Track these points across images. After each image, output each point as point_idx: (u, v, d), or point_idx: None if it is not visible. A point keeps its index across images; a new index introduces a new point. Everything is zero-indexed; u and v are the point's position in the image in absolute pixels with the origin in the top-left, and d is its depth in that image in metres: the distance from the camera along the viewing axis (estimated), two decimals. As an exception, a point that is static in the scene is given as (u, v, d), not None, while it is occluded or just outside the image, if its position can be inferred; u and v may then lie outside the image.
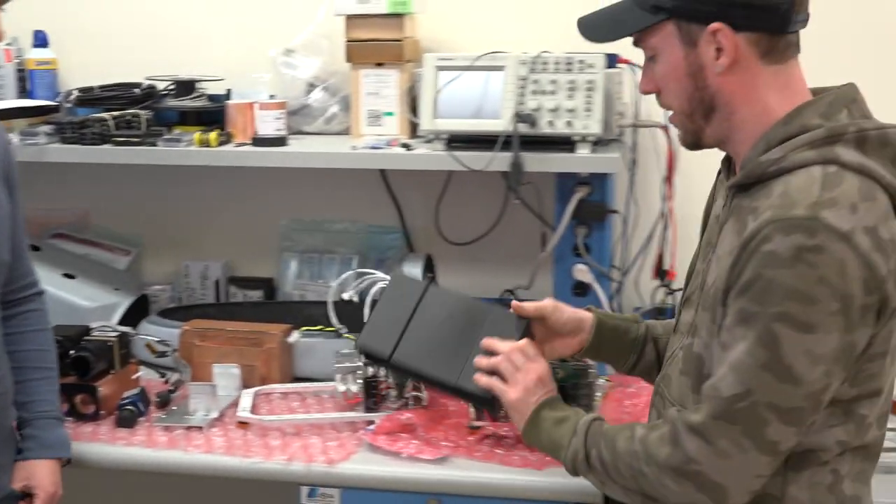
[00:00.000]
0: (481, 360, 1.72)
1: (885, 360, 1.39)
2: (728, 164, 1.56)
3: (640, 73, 2.33)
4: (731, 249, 1.38)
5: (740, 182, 1.43)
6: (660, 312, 2.49)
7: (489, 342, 1.73)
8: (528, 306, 1.78)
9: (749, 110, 1.43)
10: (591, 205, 2.28)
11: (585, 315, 1.80)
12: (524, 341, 1.73)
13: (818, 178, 1.32)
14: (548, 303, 1.79)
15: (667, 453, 1.42)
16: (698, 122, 1.47)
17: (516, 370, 1.68)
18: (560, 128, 2.15)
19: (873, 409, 1.42)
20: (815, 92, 1.46)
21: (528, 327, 1.78)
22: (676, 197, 2.43)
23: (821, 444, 1.40)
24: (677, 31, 1.43)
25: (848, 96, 1.42)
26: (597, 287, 2.31)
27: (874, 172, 1.34)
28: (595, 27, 1.54)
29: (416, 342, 1.80)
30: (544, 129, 2.16)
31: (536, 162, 2.17)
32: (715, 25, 1.39)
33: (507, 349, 1.70)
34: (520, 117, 2.14)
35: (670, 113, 1.53)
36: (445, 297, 1.87)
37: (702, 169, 2.49)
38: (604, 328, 1.79)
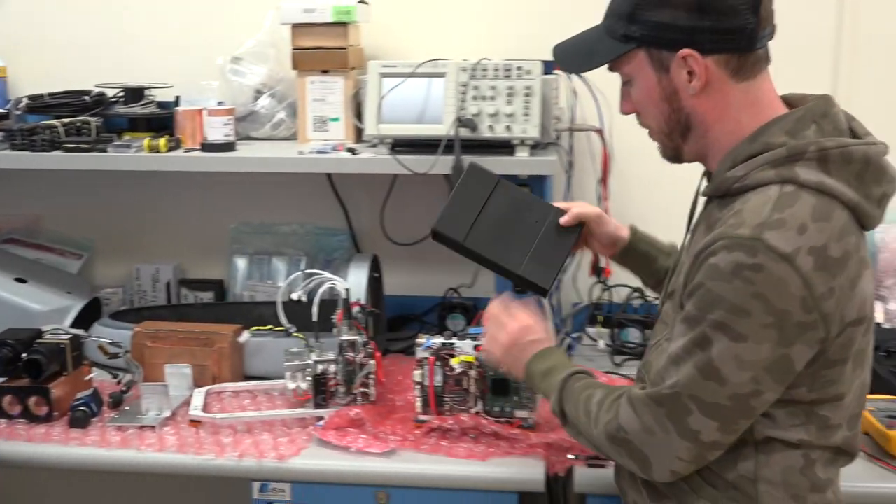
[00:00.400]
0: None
1: (844, 366, 1.46)
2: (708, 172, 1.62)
3: (575, 79, 2.44)
4: (696, 253, 1.45)
5: (708, 194, 1.52)
6: (597, 308, 2.57)
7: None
8: (572, 215, 1.86)
9: (722, 128, 1.49)
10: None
11: (623, 234, 1.92)
12: (499, 299, 1.84)
13: (772, 199, 1.38)
14: (591, 213, 1.89)
15: (607, 420, 1.52)
16: (676, 140, 1.54)
17: (495, 337, 1.80)
18: (500, 132, 2.21)
19: (837, 413, 1.48)
20: (793, 100, 1.52)
21: (580, 229, 1.87)
22: (612, 198, 2.51)
23: (786, 439, 1.47)
24: (648, 58, 1.49)
25: (818, 111, 1.46)
26: (536, 284, 2.37)
27: (833, 190, 1.39)
28: (570, 58, 1.60)
29: (486, 231, 1.86)
30: (485, 133, 2.22)
31: (477, 164, 2.23)
32: (684, 52, 1.44)
33: (486, 317, 1.84)
34: (461, 122, 2.19)
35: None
36: (514, 192, 1.92)
37: (635, 171, 2.61)
38: (633, 251, 1.92)
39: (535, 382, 1.73)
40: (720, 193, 1.48)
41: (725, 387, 1.40)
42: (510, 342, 1.78)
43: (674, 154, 1.57)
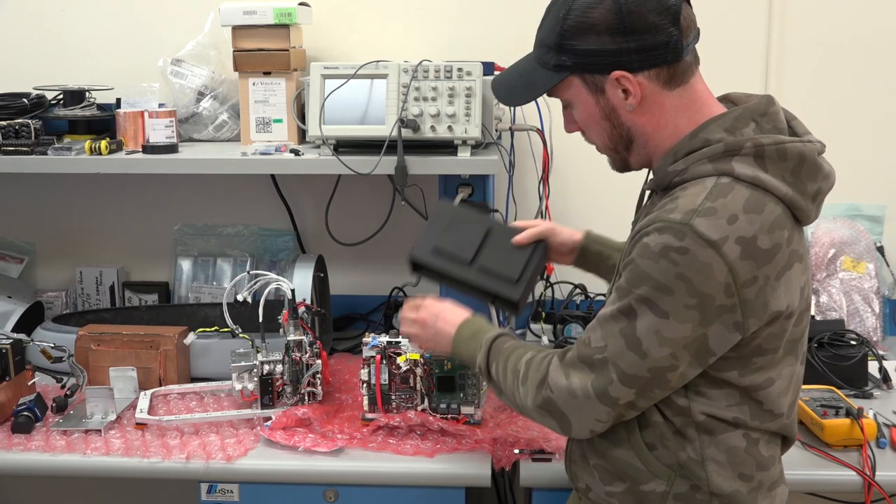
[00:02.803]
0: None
1: (775, 355, 1.53)
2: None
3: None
4: (633, 233, 1.53)
5: (651, 188, 1.58)
6: (540, 305, 2.61)
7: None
8: (526, 235, 1.91)
9: (662, 134, 1.55)
10: (473, 204, 2.38)
11: (577, 239, 1.97)
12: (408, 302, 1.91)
13: (707, 188, 1.45)
14: (544, 228, 1.94)
15: (535, 378, 1.57)
16: (622, 153, 1.60)
17: (418, 333, 1.85)
18: (442, 132, 2.23)
19: (771, 400, 1.55)
20: (736, 99, 1.58)
21: (543, 247, 1.94)
22: (552, 196, 2.55)
23: (723, 417, 1.54)
24: (583, 83, 1.54)
25: (758, 110, 1.52)
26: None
27: (767, 184, 1.46)
28: (510, 91, 1.64)
29: (456, 255, 1.93)
30: (427, 133, 2.24)
31: (420, 165, 2.24)
32: (615, 73, 1.49)
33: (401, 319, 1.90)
34: (403, 123, 2.21)
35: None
36: (478, 217, 2.00)
37: (574, 170, 2.65)
38: (587, 253, 1.97)
39: (462, 348, 1.77)
40: (662, 187, 1.54)
41: (645, 360, 1.47)
42: (432, 318, 1.82)
43: (622, 165, 1.63)
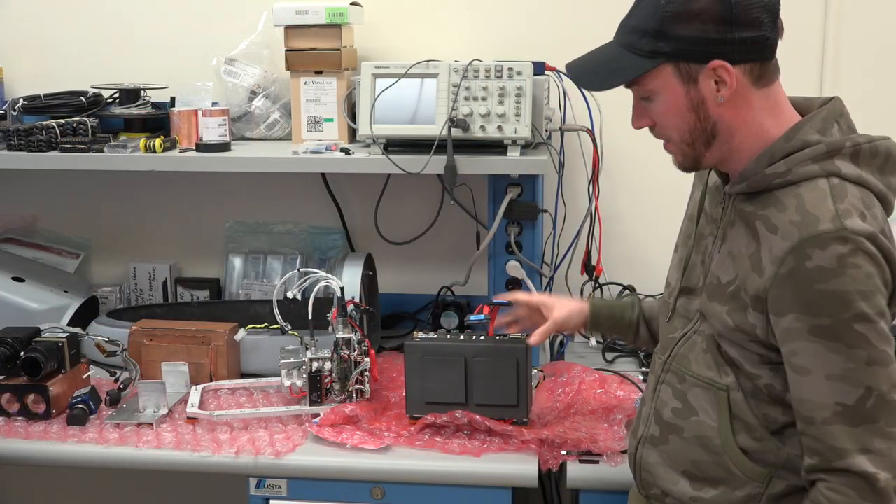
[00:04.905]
0: None
1: None
2: (721, 172, 1.64)
3: (565, 79, 2.46)
4: (749, 253, 1.51)
5: (745, 191, 1.55)
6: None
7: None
8: (539, 333, 1.98)
9: (746, 132, 1.53)
10: (522, 205, 2.38)
11: (584, 308, 1.99)
12: None
13: (827, 191, 1.45)
14: (548, 327, 1.98)
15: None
16: (699, 148, 1.56)
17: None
18: (491, 132, 2.23)
19: None
20: (796, 103, 1.58)
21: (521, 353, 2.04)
22: (602, 196, 2.53)
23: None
24: (676, 71, 1.51)
25: (836, 111, 1.54)
26: (528, 283, 2.40)
27: (868, 182, 1.48)
28: (590, 76, 1.59)
29: None
30: (476, 133, 2.23)
31: (469, 164, 2.24)
32: (715, 63, 1.48)
33: None
34: (453, 122, 2.21)
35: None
36: (451, 348, 2.07)
37: (624, 170, 2.63)
38: (599, 317, 2.00)
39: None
40: (759, 189, 1.52)
41: (893, 365, 1.43)
42: None
43: (693, 163, 1.60)
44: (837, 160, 1.48)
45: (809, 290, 1.42)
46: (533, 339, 1.98)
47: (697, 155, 1.57)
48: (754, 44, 1.48)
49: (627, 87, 1.57)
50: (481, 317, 2.03)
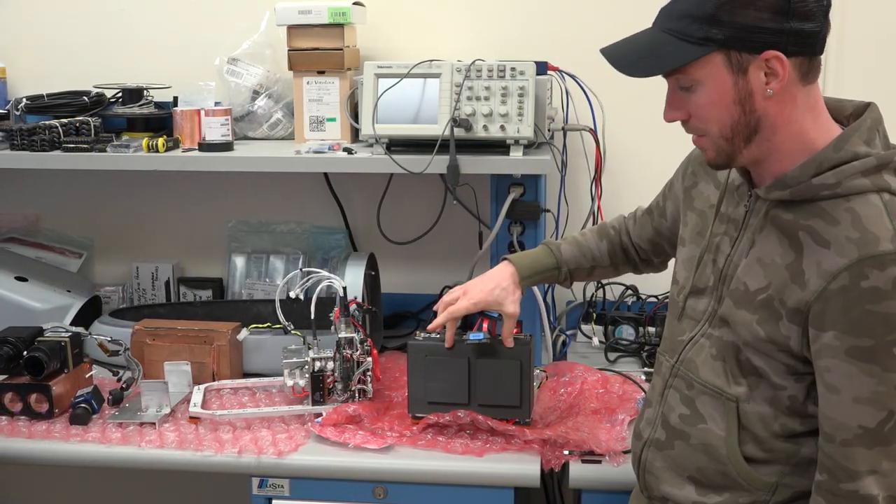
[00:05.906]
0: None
1: None
2: (744, 172, 1.58)
3: (568, 79, 2.46)
4: (786, 263, 1.47)
5: (787, 199, 1.48)
6: (591, 306, 2.60)
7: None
8: (508, 336, 2.00)
9: (788, 131, 1.47)
10: (524, 204, 2.38)
11: (514, 273, 1.96)
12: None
13: (882, 208, 1.41)
14: (510, 325, 1.98)
15: None
16: (737, 144, 1.48)
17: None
18: (494, 132, 2.23)
19: None
20: (830, 103, 1.53)
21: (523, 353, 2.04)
22: (604, 196, 2.53)
23: None
24: (726, 60, 1.44)
25: (878, 120, 1.49)
26: (531, 282, 2.39)
27: None
28: (631, 61, 1.49)
29: None
30: (479, 133, 2.23)
31: (472, 164, 2.24)
32: (769, 53, 1.42)
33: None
34: (456, 122, 2.21)
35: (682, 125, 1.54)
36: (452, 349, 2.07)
37: (627, 170, 2.63)
38: (528, 280, 1.99)
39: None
40: (806, 198, 1.47)
41: None
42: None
43: (727, 159, 1.52)
44: (885, 174, 1.44)
45: (858, 310, 1.39)
46: (507, 343, 1.99)
47: (733, 151, 1.50)
48: (808, 36, 1.42)
49: (667, 76, 1.50)
50: (480, 336, 2.02)
